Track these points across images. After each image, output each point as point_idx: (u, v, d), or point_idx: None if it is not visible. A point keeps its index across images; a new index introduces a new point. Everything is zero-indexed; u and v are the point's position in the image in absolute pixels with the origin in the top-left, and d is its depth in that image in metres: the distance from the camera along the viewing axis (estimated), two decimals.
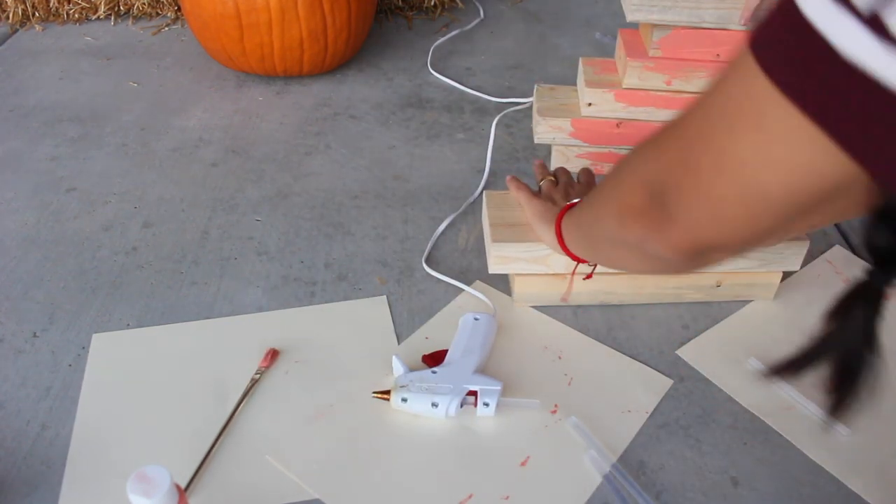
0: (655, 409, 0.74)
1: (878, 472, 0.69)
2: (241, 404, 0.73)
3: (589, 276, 0.81)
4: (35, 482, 0.66)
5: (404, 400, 0.71)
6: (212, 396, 0.74)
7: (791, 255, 0.84)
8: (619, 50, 1.03)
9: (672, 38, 0.94)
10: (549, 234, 0.76)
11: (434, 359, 0.76)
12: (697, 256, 0.47)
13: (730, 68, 0.39)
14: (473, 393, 0.71)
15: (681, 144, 0.44)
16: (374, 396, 0.73)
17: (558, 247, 0.75)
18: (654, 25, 0.93)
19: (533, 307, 0.85)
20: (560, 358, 0.79)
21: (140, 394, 0.74)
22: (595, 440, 0.70)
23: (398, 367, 0.74)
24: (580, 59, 1.06)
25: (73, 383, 0.75)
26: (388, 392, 0.72)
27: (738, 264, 0.83)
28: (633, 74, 0.98)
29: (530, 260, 0.81)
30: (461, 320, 0.80)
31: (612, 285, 0.84)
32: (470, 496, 0.65)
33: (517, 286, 0.84)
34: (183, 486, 0.64)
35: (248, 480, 0.66)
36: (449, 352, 0.76)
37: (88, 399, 0.73)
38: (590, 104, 1.01)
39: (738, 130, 0.38)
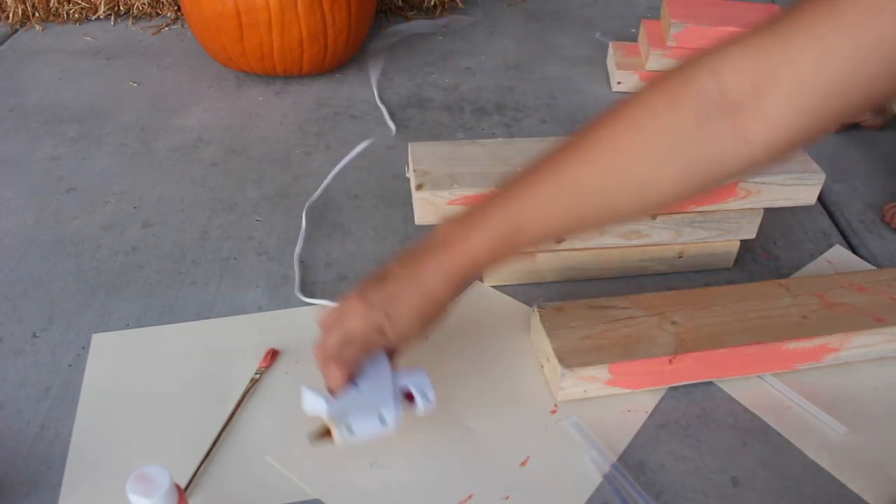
0: (655, 409, 0.74)
1: (878, 471, 0.68)
2: (241, 404, 0.73)
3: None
4: (35, 482, 0.66)
5: (349, 430, 0.60)
6: (212, 396, 0.74)
7: (746, 223, 0.88)
8: (643, 38, 1.33)
9: (685, 33, 1.26)
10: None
11: None
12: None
13: None
14: (406, 394, 0.65)
15: None
16: (315, 442, 0.61)
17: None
18: (672, 22, 1.25)
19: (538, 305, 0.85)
20: None
21: (140, 394, 0.74)
22: (595, 440, 0.70)
23: (316, 401, 0.61)
24: (610, 44, 1.37)
25: (73, 383, 0.75)
26: (326, 432, 0.61)
27: (697, 235, 0.87)
28: (655, 60, 1.28)
29: None
30: None
31: (579, 261, 0.87)
32: (470, 496, 0.65)
33: None
34: (183, 486, 0.64)
35: (247, 480, 0.66)
36: None
37: (88, 399, 0.73)
38: (619, 83, 1.31)
39: None
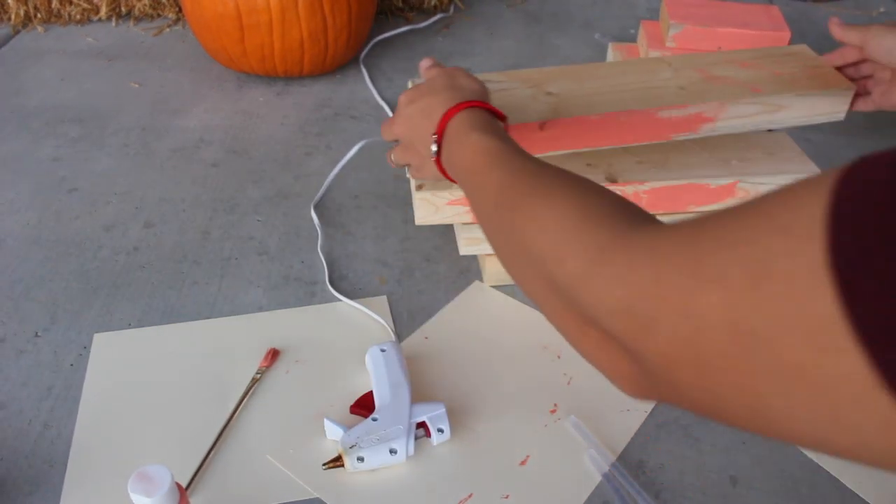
0: (654, 408, 0.74)
1: (878, 471, 0.69)
2: (242, 404, 0.73)
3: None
4: (37, 481, 0.66)
5: (360, 459, 0.65)
6: (213, 396, 0.74)
7: None
8: (642, 39, 1.29)
9: (684, 34, 1.23)
10: (423, 132, 0.64)
11: (362, 405, 0.71)
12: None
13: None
14: (422, 424, 0.68)
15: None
16: (325, 468, 0.66)
17: (431, 158, 0.62)
18: (671, 23, 1.22)
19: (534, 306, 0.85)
20: (559, 357, 0.79)
21: (141, 393, 0.74)
22: (594, 439, 0.70)
23: (335, 430, 0.67)
24: (609, 44, 1.33)
25: (75, 383, 0.75)
26: (338, 459, 0.66)
27: None
28: None
29: None
30: (368, 356, 0.75)
31: None
32: (470, 495, 0.66)
33: (488, 265, 0.86)
34: (184, 485, 0.64)
35: (248, 480, 0.67)
36: (375, 392, 0.71)
37: (90, 398, 0.74)
38: None
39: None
